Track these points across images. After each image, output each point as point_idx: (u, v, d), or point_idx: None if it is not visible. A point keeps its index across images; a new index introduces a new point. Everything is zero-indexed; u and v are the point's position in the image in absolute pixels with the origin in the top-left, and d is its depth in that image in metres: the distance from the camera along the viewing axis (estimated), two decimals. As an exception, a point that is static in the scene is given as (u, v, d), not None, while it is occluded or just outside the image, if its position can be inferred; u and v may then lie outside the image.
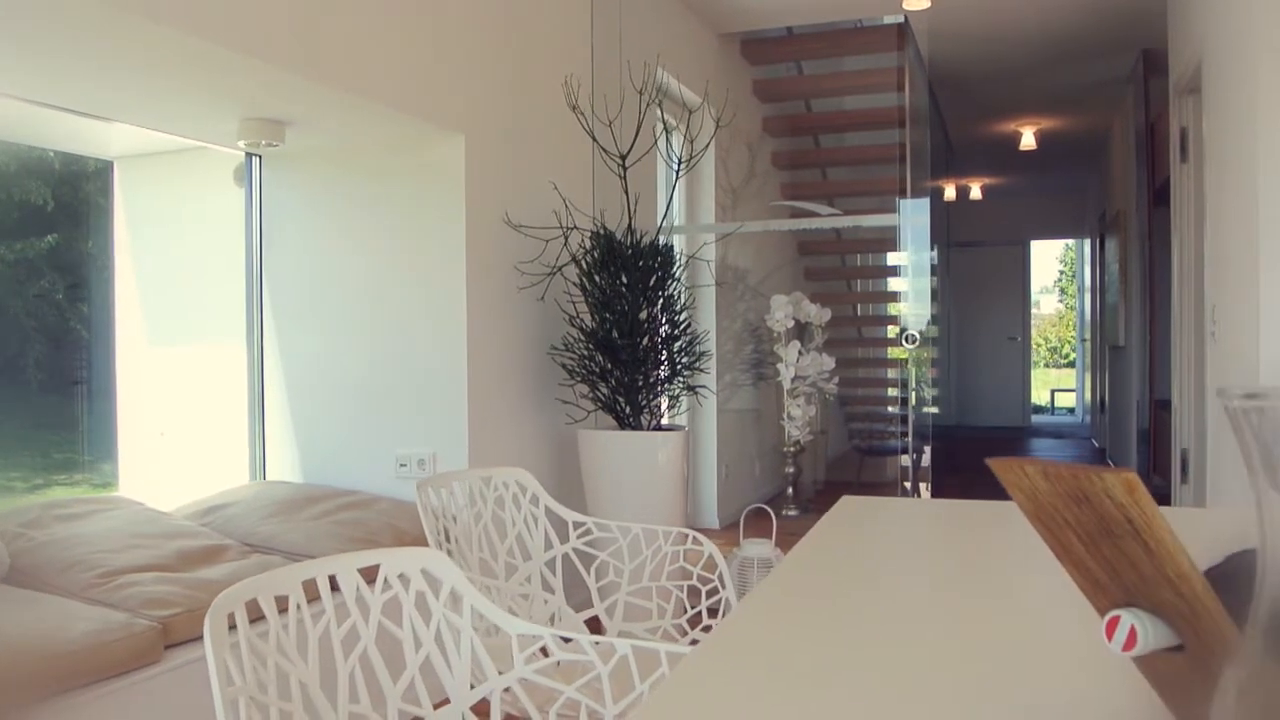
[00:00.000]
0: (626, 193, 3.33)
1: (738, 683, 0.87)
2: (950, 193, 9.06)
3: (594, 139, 3.42)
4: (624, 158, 3.32)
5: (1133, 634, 0.63)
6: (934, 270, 7.51)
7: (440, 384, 3.08)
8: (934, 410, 8.47)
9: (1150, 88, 5.56)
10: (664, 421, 3.64)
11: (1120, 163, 6.90)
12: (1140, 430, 6.04)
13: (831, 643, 0.98)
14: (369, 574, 1.22)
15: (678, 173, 3.58)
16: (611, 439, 3.30)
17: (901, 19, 4.93)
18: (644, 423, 3.36)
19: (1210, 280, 3.92)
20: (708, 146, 3.95)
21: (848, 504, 1.86)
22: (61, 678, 1.90)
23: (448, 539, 1.82)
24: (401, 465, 3.12)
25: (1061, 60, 5.99)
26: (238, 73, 2.37)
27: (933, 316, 7.02)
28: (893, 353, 5.90)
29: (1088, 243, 10.29)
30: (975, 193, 9.82)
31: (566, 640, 1.31)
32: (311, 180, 3.27)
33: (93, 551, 2.37)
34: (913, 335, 3.93)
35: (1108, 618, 0.64)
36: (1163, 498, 5.16)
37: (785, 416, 5.25)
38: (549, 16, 3.65)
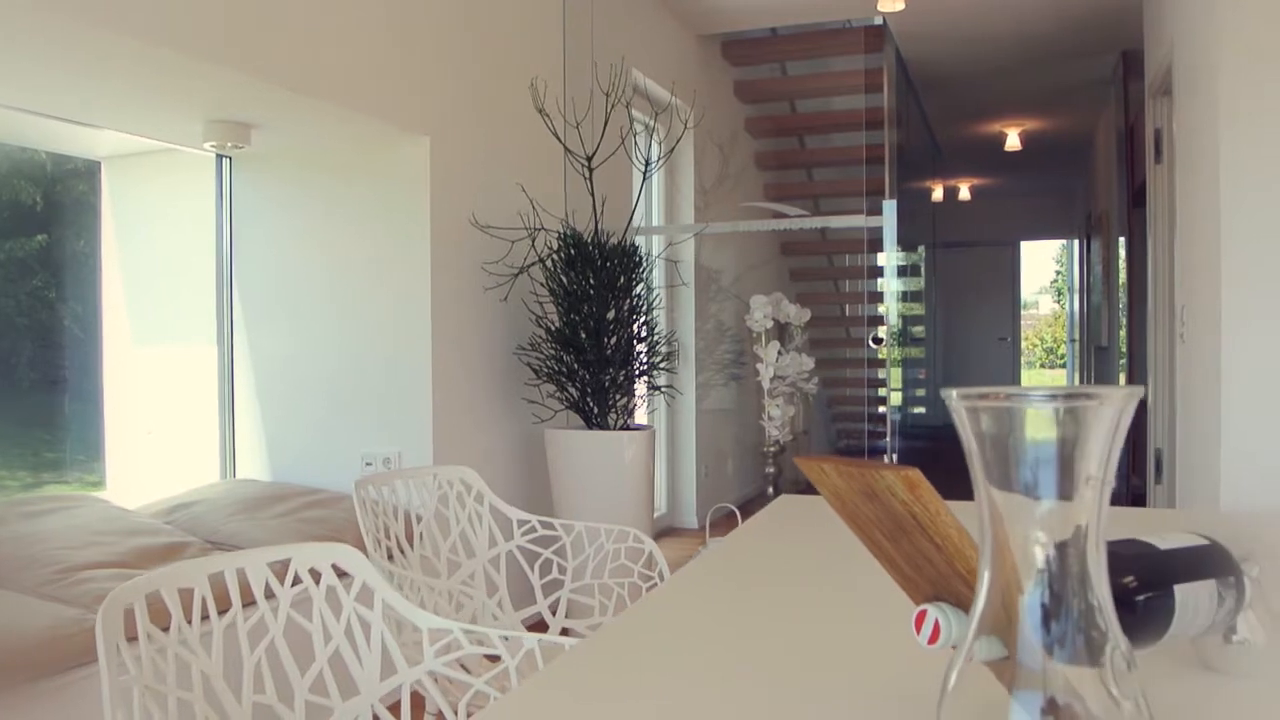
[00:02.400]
0: (593, 194, 3.35)
1: (607, 673, 0.90)
2: (938, 193, 9.08)
3: (559, 140, 3.44)
4: (589, 159, 3.34)
5: (937, 628, 0.66)
6: (917, 271, 7.53)
7: (405, 384, 3.11)
8: (920, 410, 8.51)
9: (1130, 89, 5.58)
10: (639, 421, 3.67)
11: (1103, 164, 6.92)
12: (1121, 430, 6.05)
13: (722, 636, 1.01)
14: (282, 569, 1.25)
15: (645, 174, 3.61)
16: (578, 438, 3.32)
17: (879, 21, 4.95)
18: (611, 422, 3.39)
19: (1180, 282, 3.94)
20: (674, 148, 3.98)
21: (785, 502, 1.89)
22: (13, 672, 1.93)
23: (388, 536, 1.84)
24: (367, 464, 3.15)
25: (1043, 62, 6.01)
26: (198, 77, 2.39)
27: (902, 319, 7.04)
28: (881, 353, 5.93)
29: (1076, 243, 10.31)
30: (964, 193, 9.84)
31: (508, 637, 1.33)
32: (279, 181, 3.30)
33: (52, 548, 2.40)
34: (879, 336, 3.96)
35: (915, 612, 0.67)
36: (1139, 498, 5.18)
37: (765, 416, 5.27)
38: (519, 18, 3.67)
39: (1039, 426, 0.46)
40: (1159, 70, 4.25)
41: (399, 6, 2.99)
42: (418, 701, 1.42)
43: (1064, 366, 14.57)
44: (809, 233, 6.66)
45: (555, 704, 0.83)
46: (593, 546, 2.05)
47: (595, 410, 3.36)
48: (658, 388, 3.48)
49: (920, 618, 0.67)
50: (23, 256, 3.38)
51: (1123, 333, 6.10)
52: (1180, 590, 0.77)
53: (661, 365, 3.45)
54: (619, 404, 3.37)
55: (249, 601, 1.20)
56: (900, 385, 7.13)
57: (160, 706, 1.04)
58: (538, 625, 2.04)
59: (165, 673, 1.07)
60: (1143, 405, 5.06)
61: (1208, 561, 0.81)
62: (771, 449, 5.33)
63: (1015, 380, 11.00)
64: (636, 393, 3.49)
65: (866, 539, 0.68)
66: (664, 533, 5.09)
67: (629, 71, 4.02)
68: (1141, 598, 0.76)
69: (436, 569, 1.96)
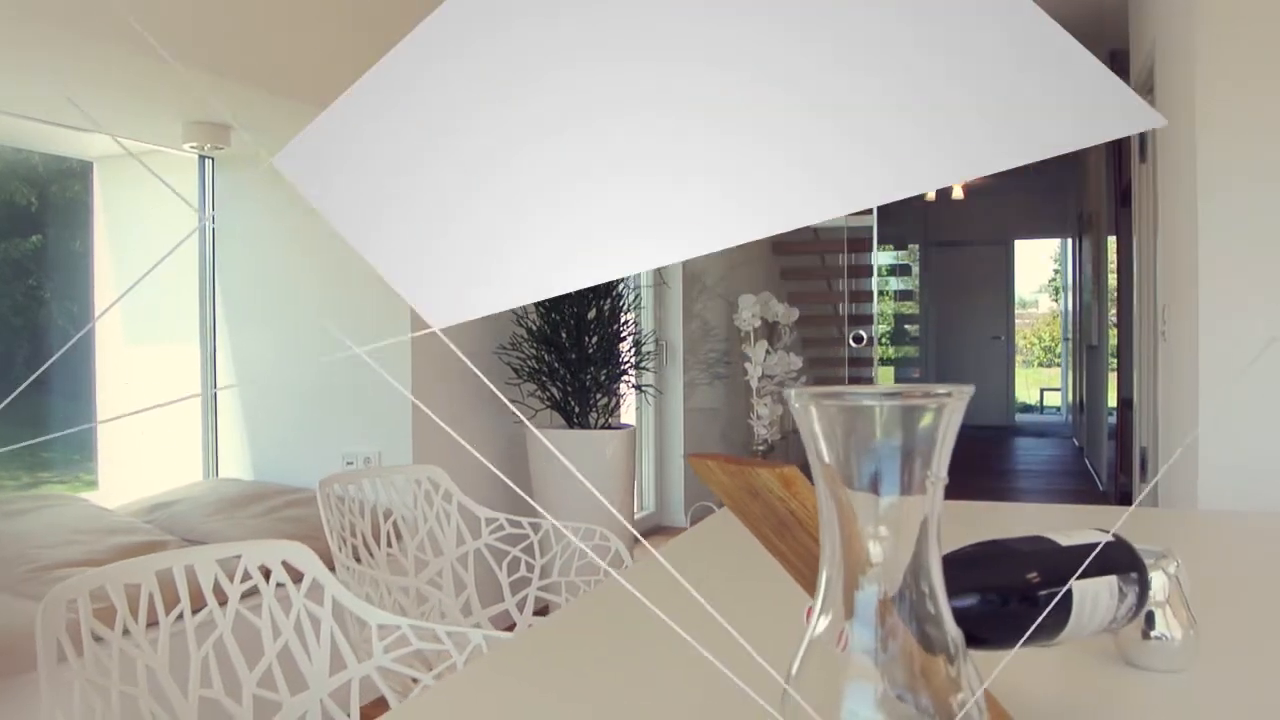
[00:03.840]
0: (573, 194, 3.37)
1: (526, 671, 0.92)
2: (931, 193, 9.09)
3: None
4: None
5: (829, 622, 0.67)
6: (909, 271, 7.54)
7: (385, 383, 3.13)
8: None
9: (1117, 89, 5.58)
10: (624, 420, 3.69)
11: (1094, 163, 6.93)
12: (1110, 428, 6.08)
13: (658, 626, 1.02)
14: (233, 566, 1.27)
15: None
16: (558, 437, 3.34)
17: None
18: (592, 421, 3.41)
19: (1162, 281, 3.96)
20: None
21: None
22: (-15, 669, 1.95)
23: (353, 534, 1.86)
24: (348, 463, 3.17)
25: (1031, 61, 6.02)
26: (179, 78, 2.41)
27: (897, 317, 7.04)
28: (879, 351, 5.95)
29: (1070, 242, 10.32)
30: (957, 192, 9.84)
31: (490, 631, 1.35)
32: (260, 182, 3.32)
33: (29, 547, 2.43)
34: (860, 335, 3.98)
35: (806, 608, 0.68)
36: (1125, 496, 5.20)
37: (753, 416, 5.29)
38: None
39: (879, 424, 0.48)
40: (1142, 70, 4.27)
41: (376, 6, 3.01)
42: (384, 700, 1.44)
43: (1060, 365, 14.59)
44: (802, 231, 6.67)
45: (495, 687, 0.85)
46: (560, 545, 2.07)
47: (576, 409, 3.38)
48: (639, 387, 3.50)
49: (809, 613, 0.69)
50: (18, 257, 3.41)
51: (1113, 332, 6.12)
52: (1078, 586, 0.78)
53: (642, 365, 3.47)
54: (599, 403, 3.39)
55: (198, 598, 1.22)
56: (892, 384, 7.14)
57: (104, 701, 1.06)
58: (510, 625, 2.06)
59: (109, 667, 1.08)
60: (1128, 404, 5.07)
61: (1109, 558, 0.83)
62: (760, 448, 5.35)
63: (1010, 379, 11.01)
64: (620, 391, 3.51)
65: (759, 535, 0.69)
66: (651, 531, 5.11)
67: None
68: (1039, 594, 0.78)
69: (404, 568, 1.98)
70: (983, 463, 8.43)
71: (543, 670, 0.91)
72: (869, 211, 4.58)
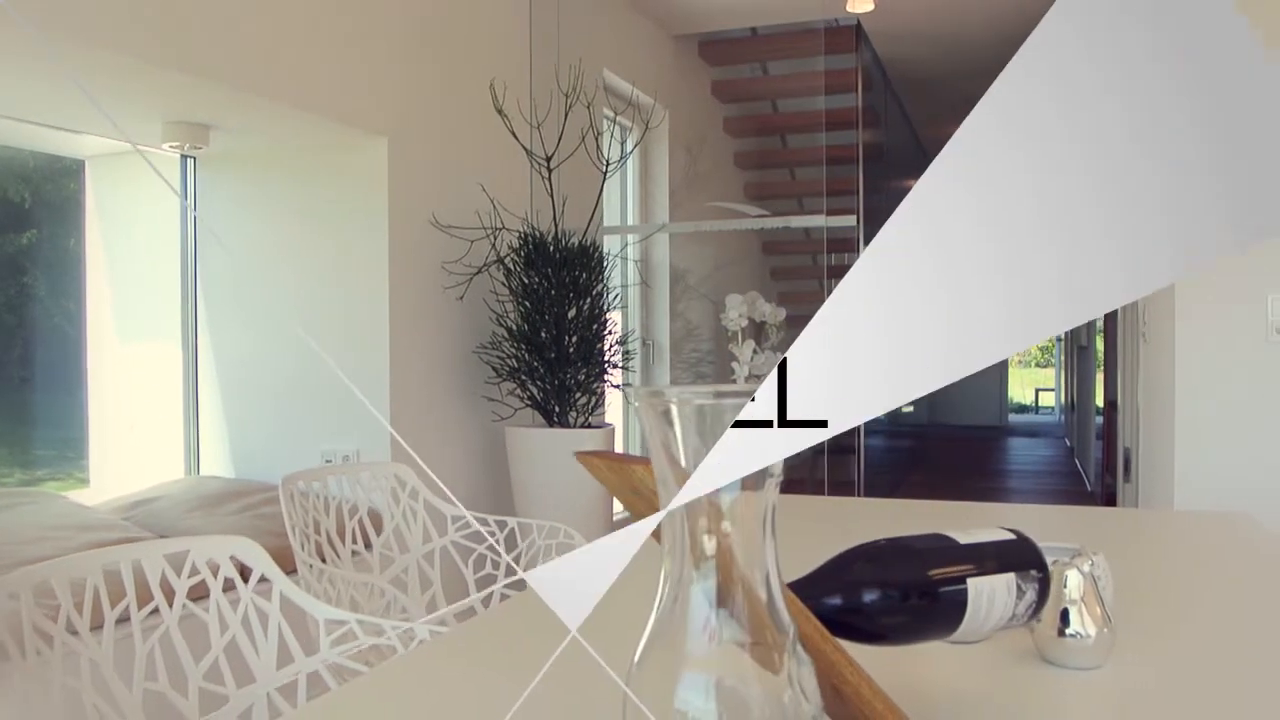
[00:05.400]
0: (552, 195, 3.39)
1: (467, 657, 0.94)
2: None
3: (517, 138, 3.48)
4: (549, 159, 3.38)
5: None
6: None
7: (364, 381, 3.15)
8: (909, 409, 8.53)
9: (1105, 90, 5.59)
10: (609, 419, 3.70)
11: (1084, 164, 6.92)
12: (1097, 429, 6.10)
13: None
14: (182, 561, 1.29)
15: (604, 174, 3.64)
16: (537, 436, 3.36)
17: (854, 21, 4.98)
18: (572, 420, 3.43)
19: (1143, 281, 3.97)
20: (633, 150, 4.01)
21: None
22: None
23: (317, 531, 1.88)
24: (327, 461, 3.19)
25: (1021, 62, 6.03)
26: (155, 79, 2.43)
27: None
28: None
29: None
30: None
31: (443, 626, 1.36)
32: (241, 182, 3.34)
33: (2, 544, 2.45)
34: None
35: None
36: (1111, 497, 5.21)
37: (740, 415, 5.29)
38: (484, 18, 3.71)
39: (715, 422, 0.50)
40: (1126, 71, 4.28)
41: (355, 6, 3.03)
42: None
43: (1055, 366, 14.59)
44: (793, 231, 6.69)
45: (424, 676, 0.86)
46: (525, 542, 2.09)
47: (556, 408, 3.40)
48: (618, 386, 3.52)
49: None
50: (13, 254, 3.43)
51: (1102, 332, 6.13)
52: (974, 582, 0.80)
53: (622, 365, 3.49)
54: (578, 402, 3.41)
55: (146, 593, 1.24)
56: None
57: (44, 694, 1.08)
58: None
59: (50, 659, 1.10)
60: (1113, 404, 5.09)
61: (1010, 555, 0.84)
62: (747, 447, 5.35)
63: (1002, 379, 11.03)
64: (603, 390, 3.53)
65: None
66: (637, 530, 5.11)
67: (599, 72, 4.05)
68: (936, 590, 0.79)
69: (370, 565, 2.00)
70: (975, 463, 8.45)
71: (479, 659, 0.93)
72: (852, 211, 4.59)
